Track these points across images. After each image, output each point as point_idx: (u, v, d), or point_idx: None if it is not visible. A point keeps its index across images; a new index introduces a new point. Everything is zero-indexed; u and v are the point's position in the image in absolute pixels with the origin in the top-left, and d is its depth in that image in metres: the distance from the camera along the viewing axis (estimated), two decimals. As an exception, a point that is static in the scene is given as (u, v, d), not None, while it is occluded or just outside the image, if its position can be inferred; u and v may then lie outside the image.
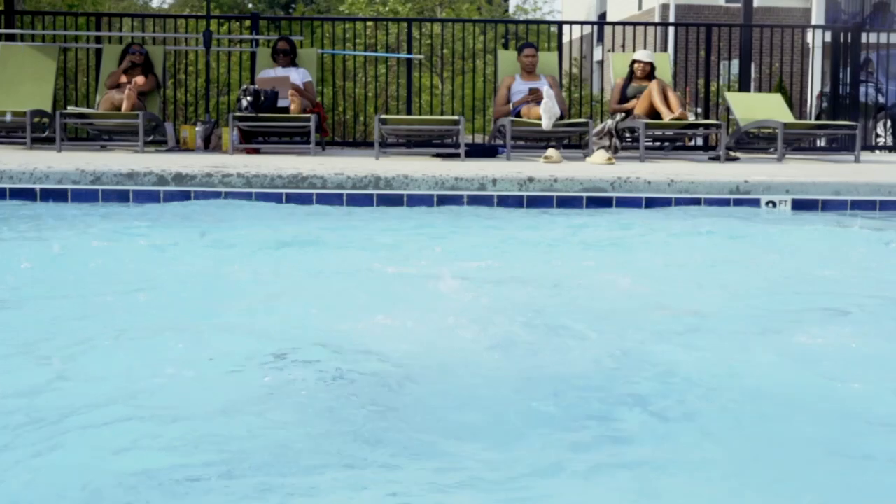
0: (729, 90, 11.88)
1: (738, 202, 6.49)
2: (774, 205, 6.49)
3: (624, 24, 11.88)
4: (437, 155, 9.21)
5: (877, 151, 12.12)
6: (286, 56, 9.74)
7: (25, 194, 6.35)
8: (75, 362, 2.95)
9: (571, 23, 11.84)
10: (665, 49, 18.34)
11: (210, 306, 3.66)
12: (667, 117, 9.26)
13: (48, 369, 2.85)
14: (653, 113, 9.36)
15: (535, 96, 9.31)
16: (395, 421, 2.48)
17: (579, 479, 2.18)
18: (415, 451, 2.28)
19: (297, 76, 9.59)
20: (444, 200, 6.45)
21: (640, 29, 11.89)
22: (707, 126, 10.07)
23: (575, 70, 16.03)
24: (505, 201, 6.47)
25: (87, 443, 2.33)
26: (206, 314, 3.54)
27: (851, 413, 2.60)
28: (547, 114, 8.92)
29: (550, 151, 8.48)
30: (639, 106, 9.52)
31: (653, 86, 9.39)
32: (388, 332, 3.27)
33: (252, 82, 9.86)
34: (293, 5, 35.33)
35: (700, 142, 11.36)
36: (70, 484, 2.10)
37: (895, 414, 2.62)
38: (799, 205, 6.49)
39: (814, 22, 21.55)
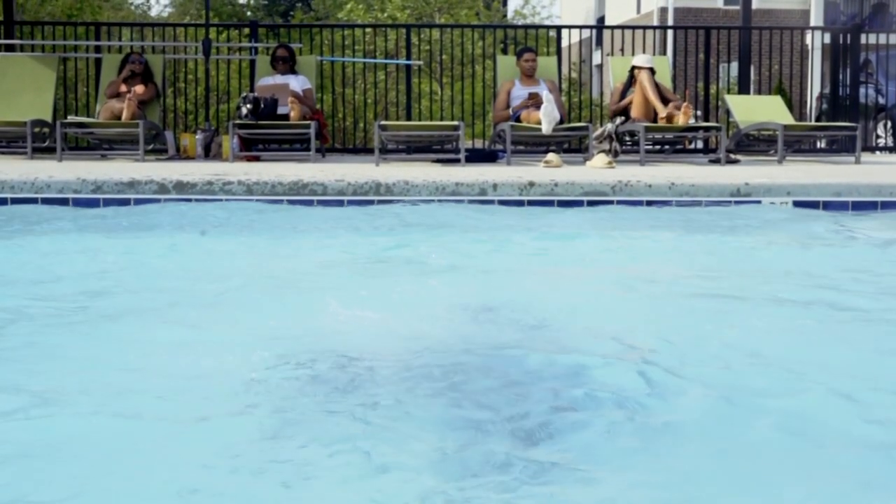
0: (728, 93, 11.89)
1: (739, 204, 6.49)
2: (775, 207, 6.48)
3: (622, 27, 11.88)
4: (438, 160, 9.21)
5: (877, 152, 12.12)
6: (285, 63, 9.74)
7: (27, 204, 6.36)
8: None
9: (570, 27, 11.82)
10: (664, 52, 18.33)
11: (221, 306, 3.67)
12: (662, 112, 9.29)
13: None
14: (651, 110, 9.39)
15: (534, 101, 9.32)
16: (390, 417, 2.49)
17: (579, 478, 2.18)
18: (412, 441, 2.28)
19: (297, 83, 9.60)
20: (444, 205, 6.45)
21: (639, 32, 11.88)
22: (707, 129, 10.08)
23: (574, 74, 16.03)
24: (506, 206, 6.47)
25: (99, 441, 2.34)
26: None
27: (853, 418, 2.59)
28: (547, 118, 8.93)
29: (551, 156, 8.49)
30: (635, 105, 9.53)
31: (643, 76, 9.41)
32: (381, 331, 3.28)
33: (251, 90, 9.87)
34: (291, 13, 35.39)
35: (700, 144, 11.36)
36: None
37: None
38: (800, 206, 6.49)
39: (812, 23, 21.56)
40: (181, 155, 9.57)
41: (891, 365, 3.10)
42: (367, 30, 15.49)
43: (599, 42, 18.61)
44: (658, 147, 10.13)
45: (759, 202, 6.51)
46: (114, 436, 2.44)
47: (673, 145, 10.22)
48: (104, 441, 2.40)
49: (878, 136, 13.04)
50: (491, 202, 6.49)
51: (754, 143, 10.10)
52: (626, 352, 3.17)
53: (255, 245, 5.36)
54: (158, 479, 2.17)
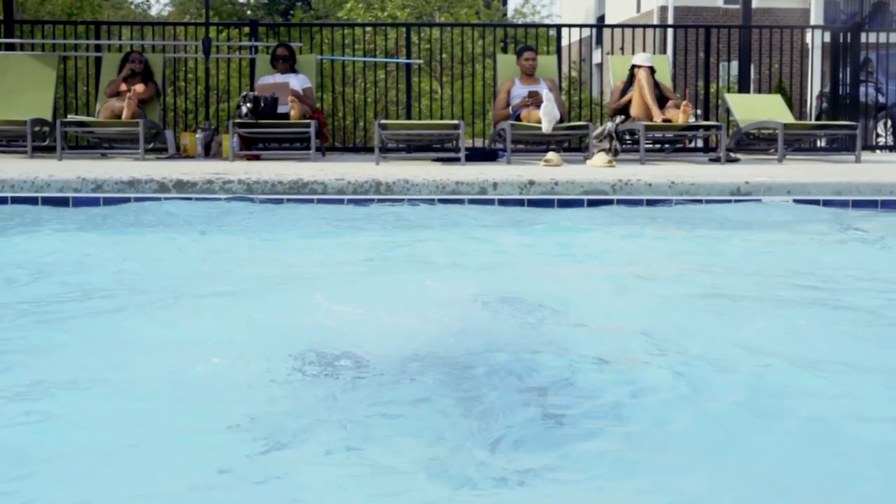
0: (728, 91, 11.89)
1: (739, 203, 6.49)
2: (775, 205, 6.48)
3: (623, 26, 11.88)
4: (438, 159, 9.21)
5: (877, 151, 12.13)
6: (285, 62, 9.74)
7: (27, 203, 6.36)
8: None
9: (570, 26, 11.82)
10: (664, 51, 18.34)
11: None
12: (657, 116, 9.31)
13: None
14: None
15: (534, 99, 9.32)
16: (384, 412, 2.49)
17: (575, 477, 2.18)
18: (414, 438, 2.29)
19: (297, 82, 9.60)
20: (445, 204, 6.45)
21: (639, 31, 11.87)
22: (707, 128, 10.08)
23: (574, 73, 16.03)
24: (506, 205, 6.48)
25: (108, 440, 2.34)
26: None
27: (855, 416, 2.60)
28: (547, 117, 8.93)
29: (550, 155, 8.48)
30: (634, 104, 9.54)
31: (642, 76, 9.43)
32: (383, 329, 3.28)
33: (251, 89, 9.87)
34: (291, 11, 35.41)
35: (700, 143, 11.37)
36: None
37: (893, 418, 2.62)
38: (800, 205, 6.48)
39: (812, 22, 21.56)
40: (181, 154, 9.57)
41: (892, 364, 3.10)
42: (367, 29, 15.49)
43: (599, 41, 18.61)
44: (658, 146, 10.14)
45: (759, 201, 6.51)
46: (113, 432, 2.44)
47: (673, 144, 10.22)
48: (102, 437, 2.41)
49: (878, 135, 13.04)
50: (491, 201, 6.49)
51: (754, 142, 10.10)
52: (626, 351, 3.17)
53: (255, 244, 5.36)
54: (157, 477, 2.17)
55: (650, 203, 6.48)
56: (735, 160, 9.40)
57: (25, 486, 2.12)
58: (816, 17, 22.65)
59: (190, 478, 2.17)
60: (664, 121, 9.34)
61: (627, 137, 9.65)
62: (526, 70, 9.74)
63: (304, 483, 2.16)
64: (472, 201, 6.48)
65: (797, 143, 10.40)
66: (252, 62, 10.47)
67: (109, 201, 6.42)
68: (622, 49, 11.30)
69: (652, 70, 9.67)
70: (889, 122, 13.13)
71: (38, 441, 2.39)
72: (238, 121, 9.02)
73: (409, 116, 11.13)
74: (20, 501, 2.05)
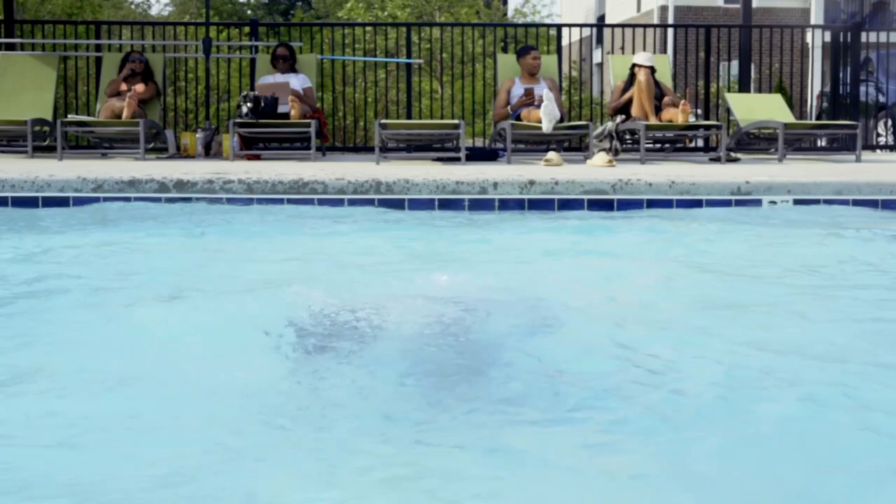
0: (729, 91, 11.89)
1: (739, 203, 6.49)
2: (776, 205, 6.49)
3: (623, 26, 11.88)
4: (438, 159, 9.21)
5: (878, 151, 12.12)
6: (286, 62, 9.75)
7: (27, 203, 6.36)
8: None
9: (570, 25, 11.83)
10: (664, 51, 18.35)
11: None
12: (653, 120, 9.31)
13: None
14: (653, 108, 9.41)
15: (530, 98, 9.33)
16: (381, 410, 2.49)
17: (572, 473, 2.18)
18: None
19: (297, 82, 9.60)
20: (445, 204, 6.46)
21: (640, 31, 11.88)
22: (707, 127, 10.08)
23: (574, 73, 16.03)
24: (506, 205, 6.48)
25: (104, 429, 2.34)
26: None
27: (855, 415, 2.59)
28: (547, 117, 8.93)
29: (551, 154, 8.48)
30: (635, 103, 9.54)
31: (641, 76, 9.43)
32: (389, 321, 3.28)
33: (252, 88, 9.87)
34: (292, 11, 35.42)
35: (700, 143, 11.37)
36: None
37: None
38: (800, 205, 6.48)
39: (813, 22, 21.57)
40: (181, 154, 9.57)
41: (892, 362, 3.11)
42: (368, 28, 15.49)
43: (600, 40, 18.63)
44: (658, 146, 10.14)
45: (759, 201, 6.51)
46: (110, 430, 2.45)
47: (673, 144, 10.22)
48: (98, 435, 2.41)
49: (878, 135, 13.03)
50: (491, 201, 6.49)
51: (755, 142, 10.10)
52: (625, 350, 3.17)
53: (255, 244, 5.36)
54: (152, 472, 2.17)
55: (650, 203, 6.48)
56: (735, 160, 9.40)
57: (24, 483, 2.12)
58: (817, 17, 22.66)
59: (189, 472, 2.18)
60: (661, 117, 9.35)
61: (628, 137, 9.65)
62: (531, 69, 9.71)
63: (302, 480, 2.16)
64: (472, 201, 6.48)
65: (797, 142, 10.40)
66: (252, 62, 10.47)
67: (110, 201, 6.42)
68: (622, 49, 11.30)
69: (652, 70, 9.67)
70: (889, 122, 13.12)
71: (34, 440, 2.39)
72: (238, 120, 9.02)
73: (409, 116, 11.13)
74: (18, 499, 2.06)
